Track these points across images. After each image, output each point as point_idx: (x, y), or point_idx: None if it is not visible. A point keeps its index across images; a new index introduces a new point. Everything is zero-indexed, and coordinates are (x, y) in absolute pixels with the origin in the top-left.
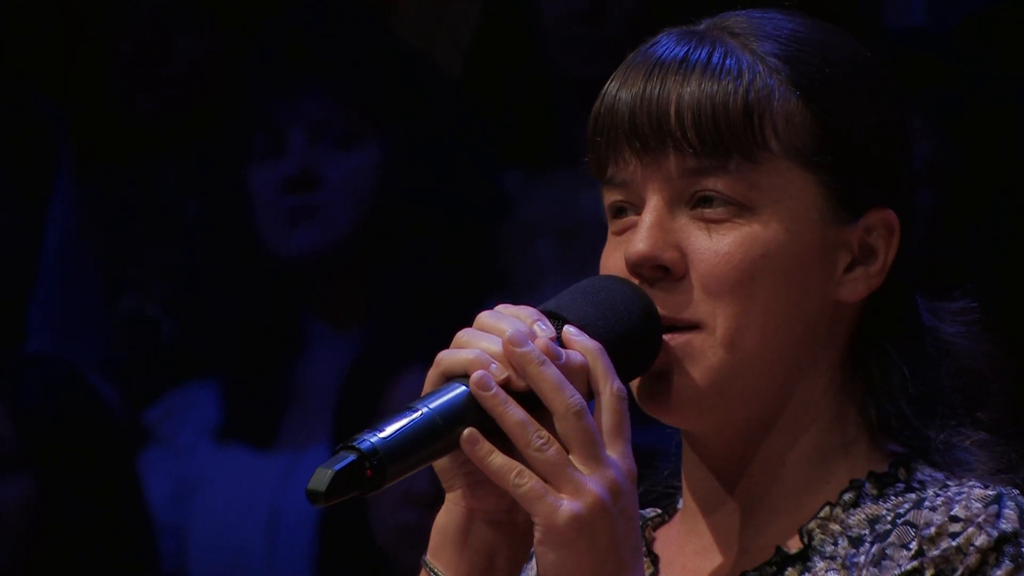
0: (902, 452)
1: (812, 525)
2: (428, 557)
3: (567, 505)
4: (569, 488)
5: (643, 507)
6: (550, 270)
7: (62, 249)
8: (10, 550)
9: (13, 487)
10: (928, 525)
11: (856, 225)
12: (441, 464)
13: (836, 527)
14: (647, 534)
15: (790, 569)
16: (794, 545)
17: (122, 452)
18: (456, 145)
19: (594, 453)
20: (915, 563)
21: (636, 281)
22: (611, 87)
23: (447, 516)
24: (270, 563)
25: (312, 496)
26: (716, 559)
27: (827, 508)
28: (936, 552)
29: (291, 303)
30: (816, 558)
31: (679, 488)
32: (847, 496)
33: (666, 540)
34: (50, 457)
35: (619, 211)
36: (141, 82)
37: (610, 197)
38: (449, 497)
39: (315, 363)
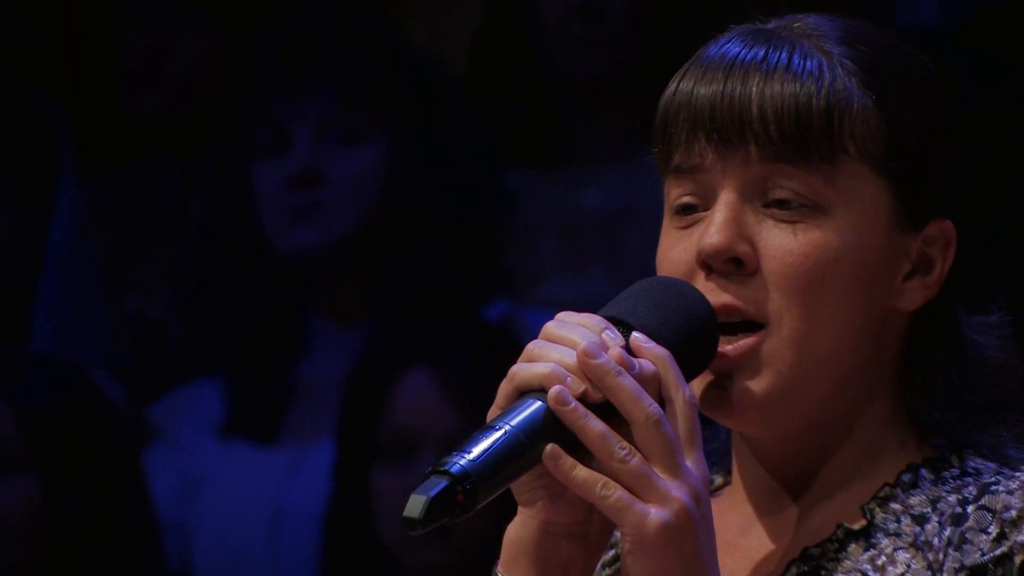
0: (951, 444)
1: (873, 503)
2: (500, 570)
3: (655, 513)
4: (655, 497)
5: None
6: (552, 268)
7: (66, 248)
8: (15, 548)
9: (17, 486)
10: (1007, 508)
11: (918, 235)
12: (519, 479)
13: (897, 506)
14: None
15: (853, 545)
16: (855, 522)
17: (126, 450)
18: (460, 143)
19: (675, 461)
20: (1003, 548)
21: (704, 273)
22: (684, 84)
23: (522, 529)
24: (274, 560)
25: (409, 524)
26: (769, 538)
27: (886, 488)
28: (1023, 538)
29: (295, 300)
30: (880, 535)
31: (715, 463)
32: (906, 477)
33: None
34: (54, 456)
35: (686, 208)
36: (145, 81)
37: (677, 191)
38: (523, 511)
39: (319, 360)
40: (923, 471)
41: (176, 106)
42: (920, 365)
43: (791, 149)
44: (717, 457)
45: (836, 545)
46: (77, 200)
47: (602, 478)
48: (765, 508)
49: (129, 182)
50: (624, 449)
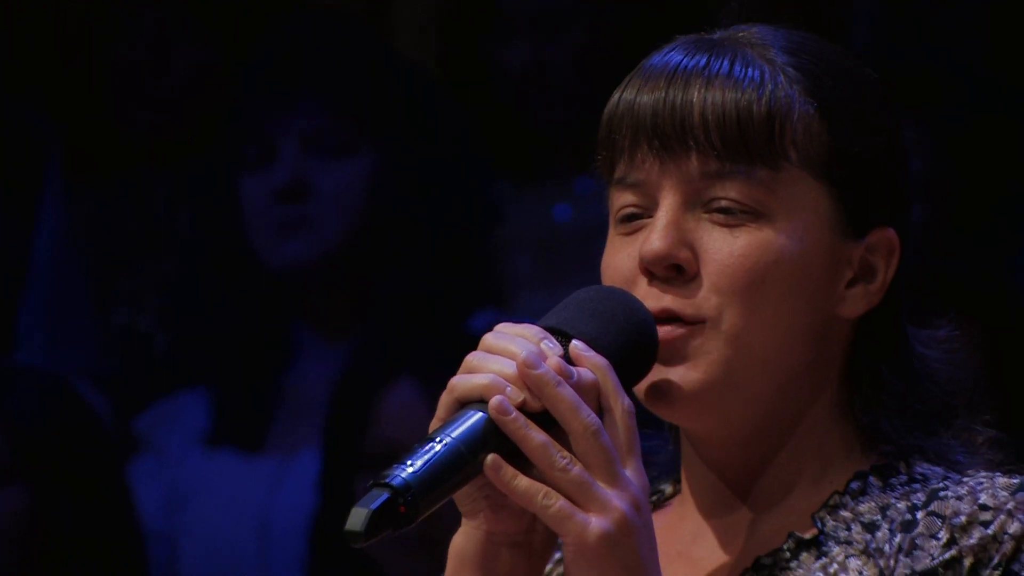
0: (900, 451)
1: (823, 512)
2: None
3: (596, 523)
4: (596, 506)
5: None
6: (529, 282)
7: (52, 259)
8: (1, 561)
9: (4, 498)
10: (956, 514)
11: (861, 242)
12: (461, 490)
13: (847, 514)
14: None
15: (804, 554)
16: (806, 531)
17: (112, 461)
18: (447, 156)
19: (613, 470)
20: (952, 552)
21: (646, 279)
22: (627, 92)
23: (466, 540)
24: (261, 570)
25: (351, 537)
26: (720, 547)
27: (836, 496)
28: (972, 541)
29: (282, 313)
30: (831, 543)
31: (661, 478)
32: (855, 485)
33: (658, 531)
34: (41, 468)
35: (629, 216)
36: (133, 93)
37: (621, 199)
38: (466, 521)
39: (305, 372)
40: (871, 478)
41: (164, 119)
42: (866, 372)
43: (732, 156)
44: (665, 466)
45: (788, 554)
46: (63, 211)
47: (543, 488)
48: (715, 516)
49: (117, 194)
50: (565, 458)
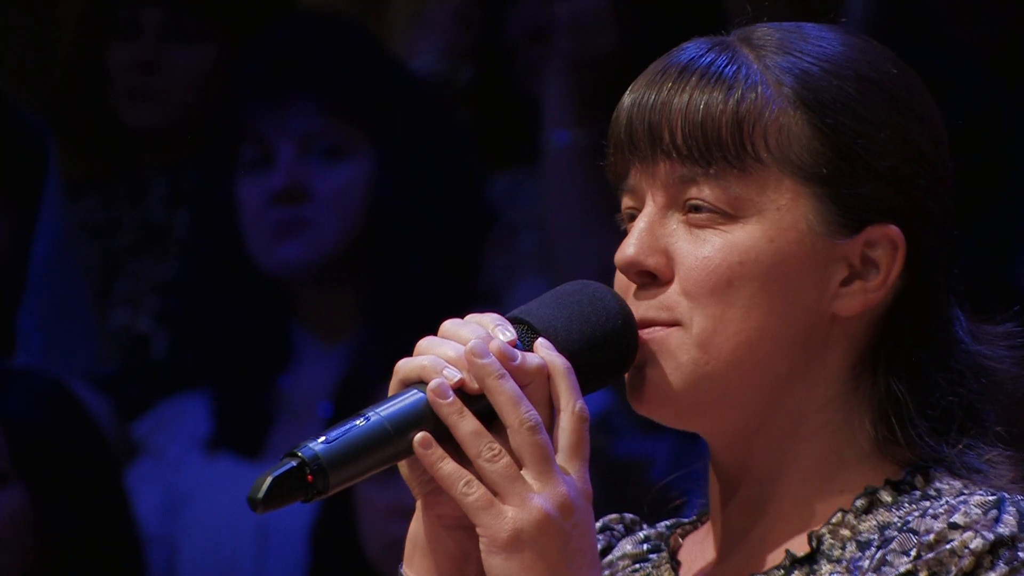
0: (920, 461)
1: (823, 530)
2: (403, 567)
3: (512, 518)
4: (515, 501)
5: (684, 515)
6: (530, 268)
7: (51, 262)
8: (1, 563)
9: (3, 500)
10: (928, 532)
11: (855, 239)
12: (403, 472)
13: (847, 532)
14: (674, 541)
15: (797, 572)
16: (803, 549)
17: (112, 465)
18: (444, 158)
19: (546, 468)
20: (909, 566)
21: (635, 285)
22: (626, 92)
23: (416, 524)
24: (260, 575)
25: (251, 503)
26: (725, 562)
27: (840, 514)
28: (931, 555)
29: (280, 316)
30: (823, 561)
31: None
32: (859, 502)
33: (691, 546)
34: (39, 470)
35: (631, 216)
36: (131, 95)
37: (623, 202)
38: (418, 505)
39: (303, 375)
40: (881, 494)
41: (162, 120)
42: (876, 372)
43: (696, 159)
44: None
45: (782, 572)
46: (62, 214)
47: (467, 475)
48: (724, 527)
49: (115, 196)
50: (493, 450)
